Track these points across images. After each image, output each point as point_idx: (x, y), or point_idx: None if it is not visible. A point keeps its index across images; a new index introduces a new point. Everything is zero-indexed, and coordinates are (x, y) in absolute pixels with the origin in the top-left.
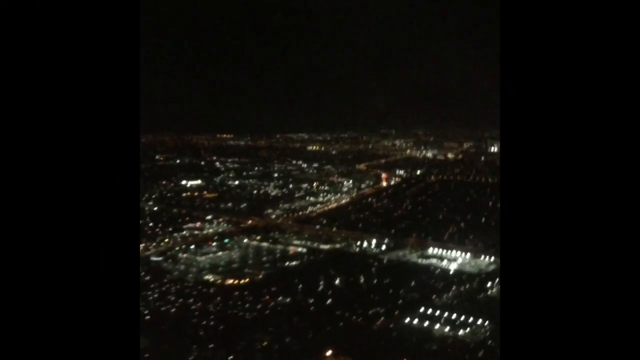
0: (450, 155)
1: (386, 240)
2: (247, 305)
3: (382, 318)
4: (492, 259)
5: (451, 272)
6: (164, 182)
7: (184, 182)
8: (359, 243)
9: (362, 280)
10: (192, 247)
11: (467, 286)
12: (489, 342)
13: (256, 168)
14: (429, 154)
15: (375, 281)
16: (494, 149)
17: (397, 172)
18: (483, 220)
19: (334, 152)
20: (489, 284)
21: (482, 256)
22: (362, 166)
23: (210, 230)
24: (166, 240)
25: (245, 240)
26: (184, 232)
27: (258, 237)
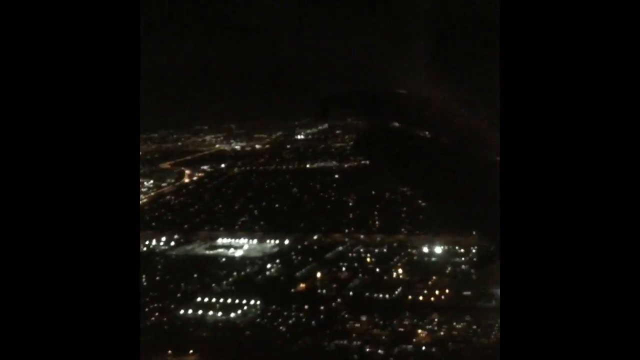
0: (257, 146)
1: (176, 236)
2: None
3: (157, 314)
4: (277, 241)
5: (236, 259)
6: None
7: None
8: (147, 242)
9: (143, 279)
10: None
11: (248, 270)
12: (257, 320)
13: None
14: (237, 147)
15: (157, 278)
16: (300, 136)
17: (202, 167)
18: (277, 205)
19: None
20: (268, 266)
21: (268, 240)
22: (166, 165)
23: None
24: None
25: None
26: None
27: None
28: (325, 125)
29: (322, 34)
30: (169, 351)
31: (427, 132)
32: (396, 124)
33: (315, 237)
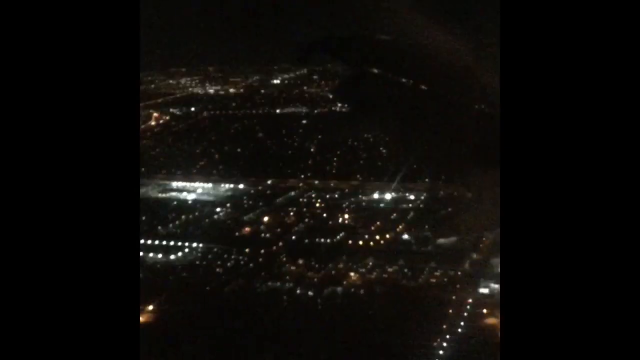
0: (232, 90)
1: None
2: None
3: None
4: (232, 186)
5: (189, 203)
6: None
7: None
8: None
9: None
10: None
11: (197, 214)
12: (197, 262)
13: None
14: (211, 90)
15: None
16: (276, 81)
17: (171, 110)
18: (239, 150)
19: None
20: (218, 209)
21: (223, 185)
22: None
23: None
24: None
25: None
26: None
27: None
28: (304, 70)
29: None
30: None
31: (406, 79)
32: (375, 70)
33: (269, 182)
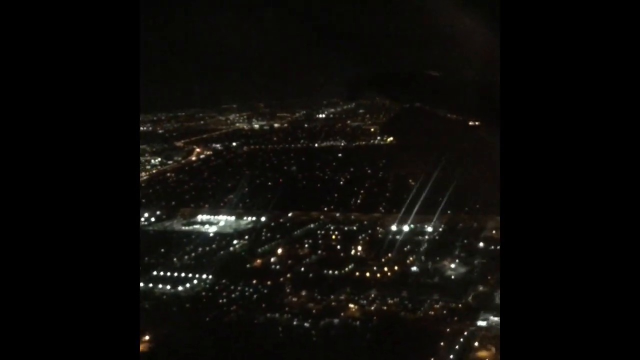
0: (276, 125)
1: (158, 212)
2: None
3: None
4: (254, 218)
5: (209, 235)
6: None
7: None
8: None
9: None
10: None
11: (213, 246)
12: (203, 293)
13: None
14: (257, 126)
15: None
16: (321, 115)
17: (213, 145)
18: (269, 184)
19: (160, 131)
20: (235, 242)
21: (246, 217)
22: (180, 143)
23: None
24: None
25: None
26: None
27: None
28: (352, 105)
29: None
30: None
31: (454, 115)
32: (419, 105)
33: (290, 215)
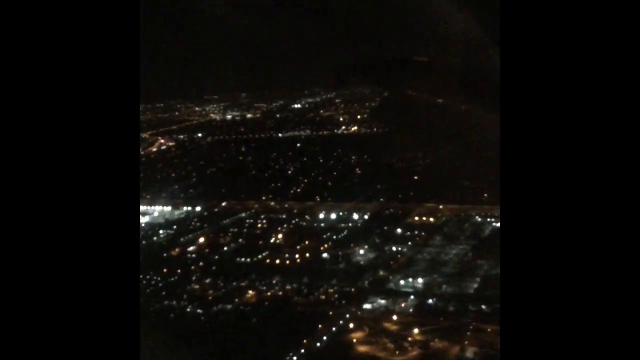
0: (249, 116)
1: None
2: None
3: None
4: (189, 208)
5: (142, 226)
6: None
7: None
8: None
9: None
10: None
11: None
12: None
13: None
14: (229, 116)
15: None
16: (297, 105)
17: (180, 136)
18: (208, 171)
19: None
20: (160, 232)
21: (183, 207)
22: (146, 134)
23: None
24: None
25: None
26: None
27: None
28: (333, 94)
29: None
30: None
31: (441, 99)
32: (409, 92)
33: (223, 204)
